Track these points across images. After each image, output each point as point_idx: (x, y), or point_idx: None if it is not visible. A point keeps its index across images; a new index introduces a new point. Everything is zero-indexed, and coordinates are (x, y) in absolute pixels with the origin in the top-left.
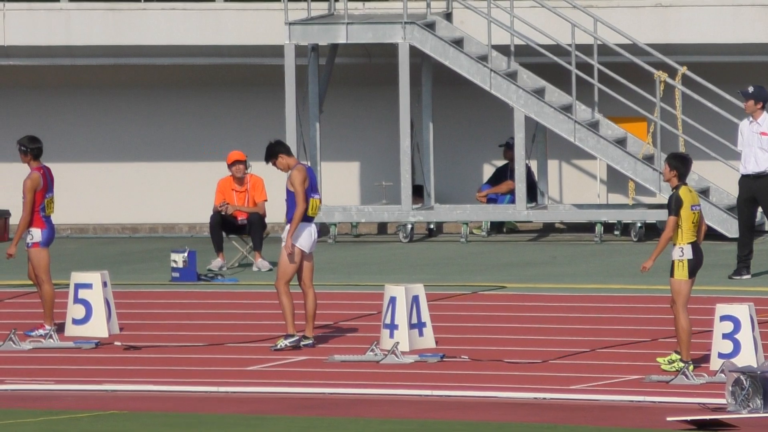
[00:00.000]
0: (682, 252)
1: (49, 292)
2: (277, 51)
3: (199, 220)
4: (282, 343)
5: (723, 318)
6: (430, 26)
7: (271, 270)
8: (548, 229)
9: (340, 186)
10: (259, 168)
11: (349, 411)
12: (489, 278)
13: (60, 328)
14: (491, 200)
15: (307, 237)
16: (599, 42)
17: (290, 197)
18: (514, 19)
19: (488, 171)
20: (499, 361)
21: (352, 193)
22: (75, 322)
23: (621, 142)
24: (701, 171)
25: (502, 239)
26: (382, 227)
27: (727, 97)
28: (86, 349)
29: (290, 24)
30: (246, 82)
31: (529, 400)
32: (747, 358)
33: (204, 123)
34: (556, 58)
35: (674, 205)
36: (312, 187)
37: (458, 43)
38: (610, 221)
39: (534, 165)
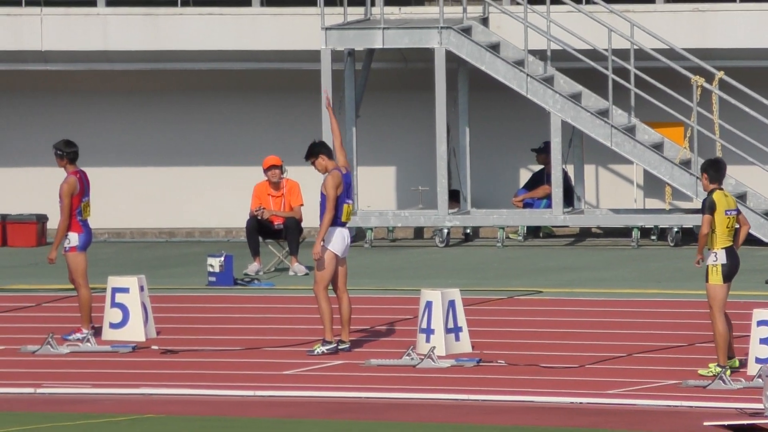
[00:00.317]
0: (716, 257)
1: (86, 296)
2: (314, 56)
3: (236, 224)
4: (319, 349)
5: (760, 323)
6: (467, 31)
7: (307, 274)
8: (585, 233)
9: (377, 191)
10: (295, 172)
11: (385, 415)
12: (525, 283)
13: (97, 332)
14: (527, 205)
15: (340, 241)
16: (636, 47)
17: (324, 201)
18: (550, 23)
19: (524, 175)
20: (535, 366)
21: (389, 198)
22: (112, 326)
23: (658, 147)
24: (738, 176)
25: (538, 244)
26: (419, 232)
27: (765, 101)
28: (123, 353)
29: (327, 29)
30: (282, 86)
31: (566, 405)
32: None
33: (240, 128)
34: (592, 63)
35: (707, 207)
36: (346, 192)
37: (495, 47)
38: (646, 226)
39: (571, 170)
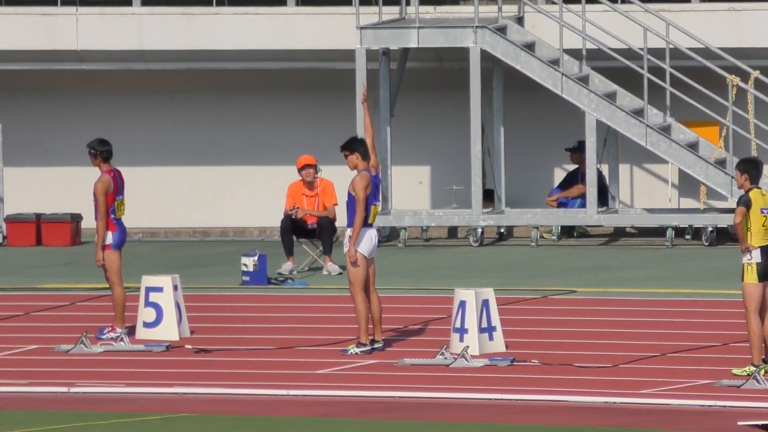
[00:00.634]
0: (751, 256)
1: (120, 295)
2: (348, 55)
3: (270, 224)
4: (353, 350)
5: None
6: (502, 30)
7: (340, 274)
8: (619, 233)
9: (411, 190)
10: (330, 172)
11: (418, 414)
12: (559, 282)
13: (131, 331)
14: (562, 204)
15: (368, 242)
16: (671, 46)
17: (351, 201)
18: (585, 23)
19: (559, 175)
20: (569, 365)
21: (423, 197)
22: (146, 325)
23: (693, 147)
24: None
25: (572, 243)
26: (453, 231)
27: None
28: (157, 352)
29: (361, 28)
30: (317, 86)
31: (600, 404)
32: None
33: (275, 127)
34: (627, 62)
35: (743, 202)
36: (374, 194)
37: (530, 47)
38: (681, 225)
39: (605, 169)
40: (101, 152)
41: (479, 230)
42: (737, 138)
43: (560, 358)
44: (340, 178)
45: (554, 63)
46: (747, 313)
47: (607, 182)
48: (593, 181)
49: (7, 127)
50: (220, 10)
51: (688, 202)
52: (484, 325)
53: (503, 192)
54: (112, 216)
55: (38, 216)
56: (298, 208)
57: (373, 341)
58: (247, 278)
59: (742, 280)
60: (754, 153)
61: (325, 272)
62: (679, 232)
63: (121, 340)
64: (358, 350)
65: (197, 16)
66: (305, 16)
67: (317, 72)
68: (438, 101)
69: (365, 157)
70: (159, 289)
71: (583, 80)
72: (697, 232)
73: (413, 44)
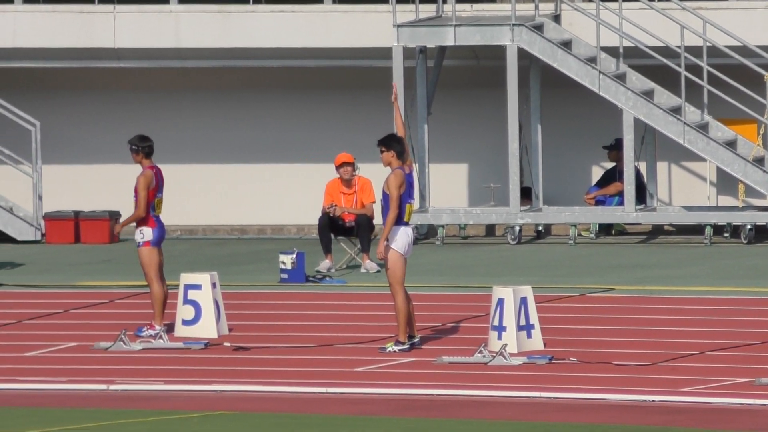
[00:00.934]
0: None
1: (158, 292)
2: (385, 53)
3: (308, 221)
4: (392, 348)
5: None
6: (539, 28)
7: (378, 271)
8: (657, 231)
9: (448, 188)
10: (367, 170)
11: (457, 413)
12: (597, 280)
13: (170, 329)
14: (599, 202)
15: (404, 240)
16: (709, 44)
17: (386, 199)
18: (622, 20)
19: (596, 173)
20: (607, 363)
21: (461, 195)
22: (184, 322)
23: (731, 144)
24: None
25: (610, 241)
26: (490, 229)
27: None
28: (195, 349)
29: (398, 26)
30: (354, 84)
31: (638, 403)
32: None
33: (312, 125)
34: (665, 60)
35: None
36: (408, 192)
37: (566, 44)
38: (719, 223)
39: (643, 167)
40: (143, 148)
41: (517, 228)
42: None
43: (598, 356)
44: (378, 176)
45: (591, 61)
46: None
47: (645, 180)
48: (631, 179)
49: (45, 125)
50: (257, 8)
51: (726, 200)
52: (522, 323)
53: (541, 190)
54: (152, 213)
55: (76, 213)
56: (335, 205)
57: (410, 337)
58: (285, 276)
59: None
60: None
61: (362, 270)
62: (718, 230)
63: (160, 337)
64: (396, 348)
65: (234, 14)
66: (342, 14)
67: (354, 70)
68: (475, 99)
69: (400, 156)
70: (198, 287)
71: (620, 78)
72: (735, 230)
73: (450, 42)
